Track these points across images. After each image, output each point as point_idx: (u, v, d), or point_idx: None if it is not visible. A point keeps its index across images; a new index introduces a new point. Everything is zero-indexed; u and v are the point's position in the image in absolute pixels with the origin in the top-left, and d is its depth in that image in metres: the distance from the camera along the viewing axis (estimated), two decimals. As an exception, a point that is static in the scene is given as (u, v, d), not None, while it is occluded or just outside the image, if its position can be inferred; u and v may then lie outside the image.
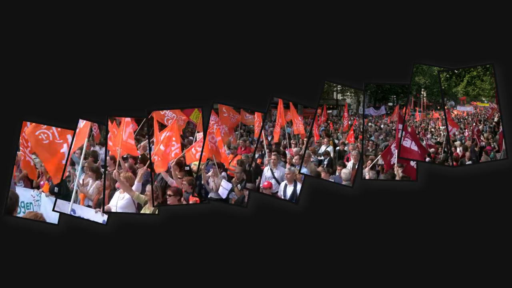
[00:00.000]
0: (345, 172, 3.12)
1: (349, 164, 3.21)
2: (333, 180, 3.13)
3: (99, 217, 3.07)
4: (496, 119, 3.13)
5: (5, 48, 3.12)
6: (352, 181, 3.08)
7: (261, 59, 3.12)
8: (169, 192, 3.08)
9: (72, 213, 3.06)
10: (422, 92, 3.74)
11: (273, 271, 3.06)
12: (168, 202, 3.07)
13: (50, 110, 3.11)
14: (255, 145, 3.26)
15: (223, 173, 3.24)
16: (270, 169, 3.25)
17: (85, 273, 3.05)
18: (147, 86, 3.12)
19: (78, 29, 3.12)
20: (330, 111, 3.84)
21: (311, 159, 3.28)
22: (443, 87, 3.07)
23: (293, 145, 3.47)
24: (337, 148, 3.52)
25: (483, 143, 3.22)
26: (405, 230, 3.03)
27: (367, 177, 3.09)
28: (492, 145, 3.15)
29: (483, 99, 3.40)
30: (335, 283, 3.04)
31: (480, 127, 3.35)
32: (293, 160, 3.26)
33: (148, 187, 3.10)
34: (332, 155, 3.41)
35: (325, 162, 3.33)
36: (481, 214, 3.00)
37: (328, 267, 3.05)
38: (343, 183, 3.09)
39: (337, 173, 3.17)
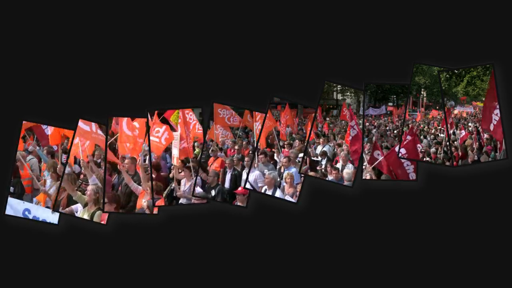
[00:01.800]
0: (347, 172, 3.11)
1: (350, 166, 3.20)
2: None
3: (56, 218, 3.03)
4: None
5: (5, 48, 3.11)
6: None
7: (261, 59, 3.11)
8: (105, 199, 3.01)
9: (26, 212, 3.03)
10: (422, 92, 3.75)
11: (273, 271, 3.06)
12: (105, 210, 3.00)
13: (50, 110, 3.10)
14: (251, 147, 3.25)
15: (198, 178, 3.17)
16: (246, 172, 3.18)
17: (85, 273, 3.05)
18: (147, 86, 3.12)
19: (78, 29, 3.11)
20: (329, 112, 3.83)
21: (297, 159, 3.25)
22: (443, 87, 3.07)
23: (287, 146, 3.45)
24: (334, 150, 3.50)
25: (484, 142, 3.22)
26: (405, 230, 3.03)
27: (368, 177, 3.08)
28: (492, 145, 3.15)
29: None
30: (335, 283, 3.04)
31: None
32: (283, 162, 3.22)
33: (90, 187, 3.04)
34: (329, 155, 3.40)
35: (323, 163, 3.31)
36: (481, 214, 3.01)
37: (328, 267, 3.05)
38: (345, 183, 3.08)
39: (330, 177, 3.14)
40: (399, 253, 3.03)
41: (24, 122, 3.07)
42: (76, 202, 3.07)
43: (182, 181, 3.21)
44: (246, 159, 3.23)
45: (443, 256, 3.01)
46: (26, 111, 3.09)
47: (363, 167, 3.09)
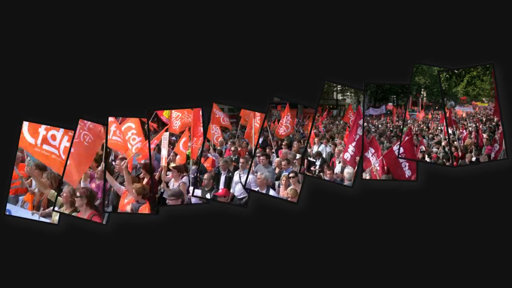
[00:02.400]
0: (348, 172, 3.11)
1: (338, 167, 3.20)
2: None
3: (37, 217, 3.03)
4: (495, 120, 3.13)
5: (5, 48, 3.11)
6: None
7: (261, 59, 3.12)
8: (77, 193, 2.98)
9: (7, 213, 3.02)
10: (422, 92, 3.74)
11: (273, 271, 3.06)
12: (76, 204, 2.98)
13: (50, 110, 3.10)
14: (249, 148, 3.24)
15: (185, 178, 3.16)
16: (239, 173, 3.17)
17: (85, 273, 3.05)
18: (147, 86, 3.12)
19: (78, 29, 3.11)
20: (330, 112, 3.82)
21: (294, 159, 3.24)
22: (443, 87, 3.07)
23: (284, 147, 3.44)
24: (330, 150, 3.48)
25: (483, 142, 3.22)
26: (405, 230, 3.04)
27: (368, 177, 3.08)
28: (492, 145, 3.14)
29: (483, 99, 3.40)
30: (335, 283, 3.04)
31: (480, 126, 3.35)
32: (282, 165, 3.21)
33: (66, 189, 3.00)
34: (324, 155, 3.39)
35: (318, 164, 3.30)
36: (481, 214, 3.01)
37: (328, 267, 3.05)
38: (345, 183, 3.08)
39: (325, 177, 3.12)
40: (399, 253, 3.03)
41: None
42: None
43: (171, 182, 3.20)
44: (241, 160, 3.23)
45: (443, 256, 3.01)
46: (26, 111, 3.09)
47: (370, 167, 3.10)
